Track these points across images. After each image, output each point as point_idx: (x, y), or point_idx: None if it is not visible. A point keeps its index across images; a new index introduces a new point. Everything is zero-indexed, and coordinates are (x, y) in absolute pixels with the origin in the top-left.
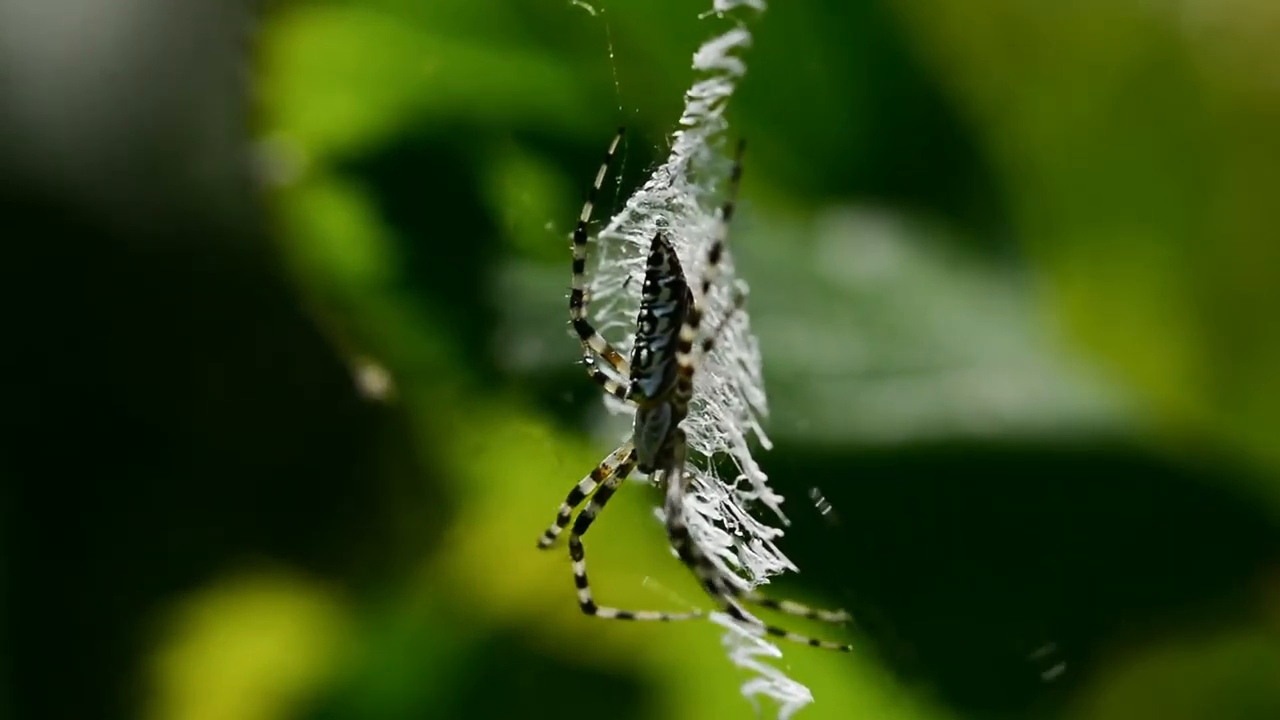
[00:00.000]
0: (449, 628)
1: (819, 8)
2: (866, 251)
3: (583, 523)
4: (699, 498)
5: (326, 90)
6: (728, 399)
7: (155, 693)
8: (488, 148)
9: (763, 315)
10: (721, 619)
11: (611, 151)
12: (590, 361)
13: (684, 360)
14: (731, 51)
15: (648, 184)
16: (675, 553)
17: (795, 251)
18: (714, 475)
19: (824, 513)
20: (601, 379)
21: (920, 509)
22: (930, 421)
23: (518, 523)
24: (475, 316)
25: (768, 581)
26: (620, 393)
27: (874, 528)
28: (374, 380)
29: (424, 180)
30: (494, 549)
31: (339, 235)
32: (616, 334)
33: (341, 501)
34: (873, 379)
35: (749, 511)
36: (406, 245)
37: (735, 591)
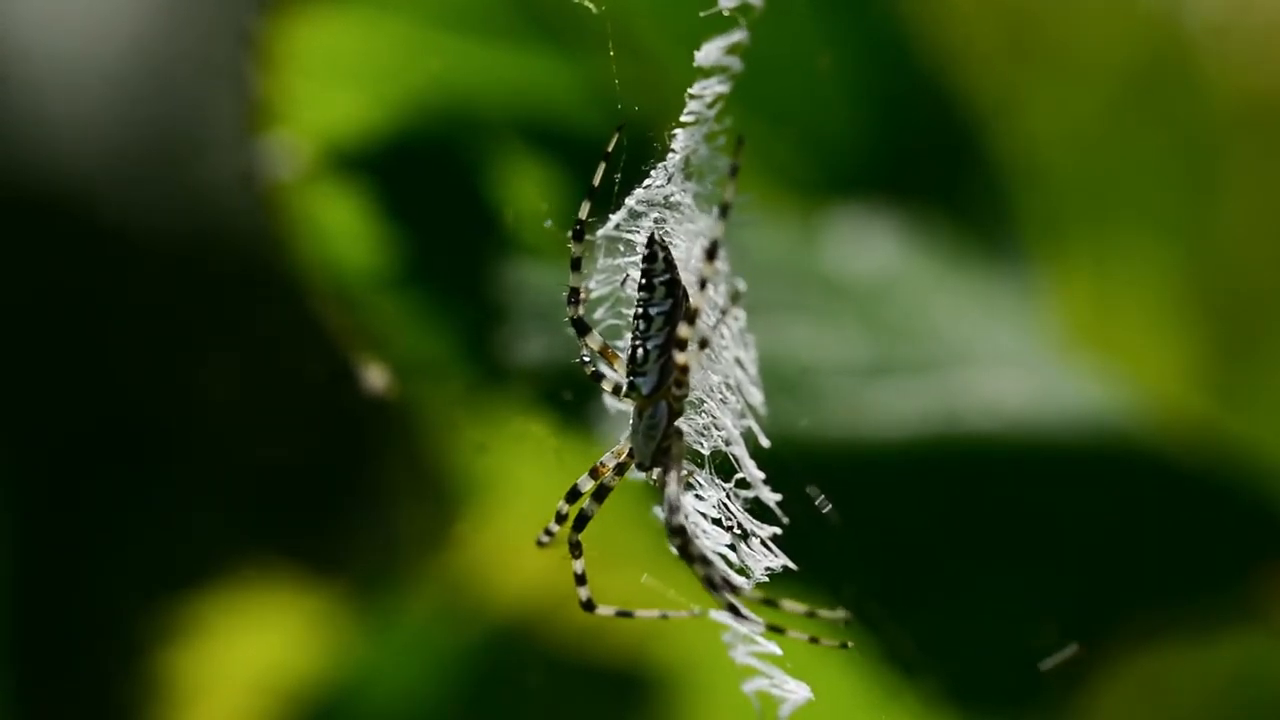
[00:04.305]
0: (452, 625)
1: (823, 6)
2: (869, 248)
3: (581, 521)
4: (697, 495)
5: (330, 86)
6: (725, 397)
7: (159, 689)
8: (491, 144)
9: (765, 312)
10: (721, 617)
11: (610, 149)
12: (587, 359)
13: (680, 358)
14: (732, 49)
15: (646, 181)
16: (674, 550)
17: (798, 248)
18: (712, 473)
19: (824, 511)
20: (599, 377)
21: (922, 505)
22: (933, 418)
23: (521, 520)
24: (479, 312)
25: (767, 579)
26: (617, 391)
27: (876, 524)
28: (377, 376)
29: (427, 176)
30: (497, 546)
31: (342, 231)
32: (615, 332)
33: (345, 498)
34: (875, 376)
35: (747, 509)
36: (410, 241)
37: (734, 589)
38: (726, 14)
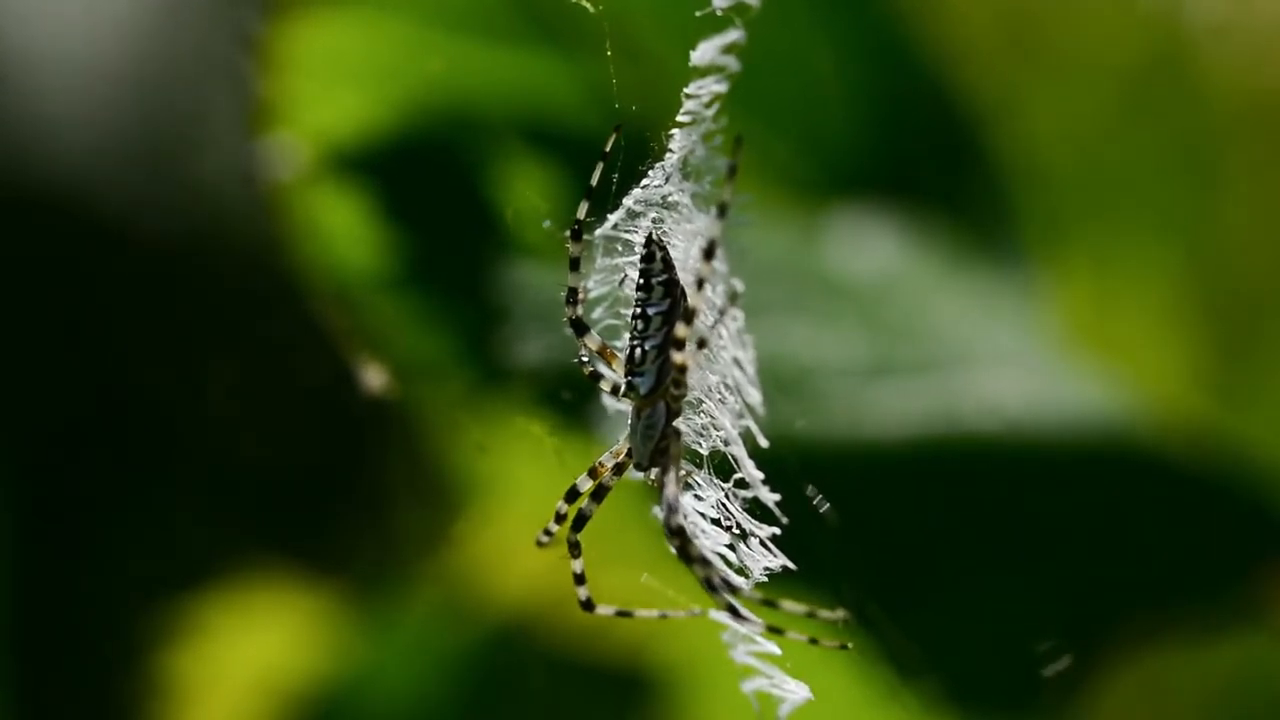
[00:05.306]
0: (452, 625)
1: (822, 5)
2: (870, 248)
3: (580, 520)
4: (696, 496)
5: (330, 87)
6: (724, 397)
7: (159, 690)
8: (491, 145)
9: (766, 313)
10: (721, 617)
11: (608, 149)
12: (586, 360)
13: (678, 358)
14: (729, 49)
15: (644, 181)
16: (673, 551)
17: (798, 249)
18: (710, 473)
19: (821, 510)
20: (597, 377)
21: (922, 506)
22: (933, 418)
23: (521, 520)
24: (479, 313)
25: (766, 579)
26: (615, 391)
27: (876, 524)
28: (377, 377)
29: (427, 177)
30: (497, 546)
31: (343, 232)
32: (613, 332)
33: (345, 499)
34: (876, 376)
35: (746, 509)
36: (410, 242)
37: (734, 590)
38: (720, 14)
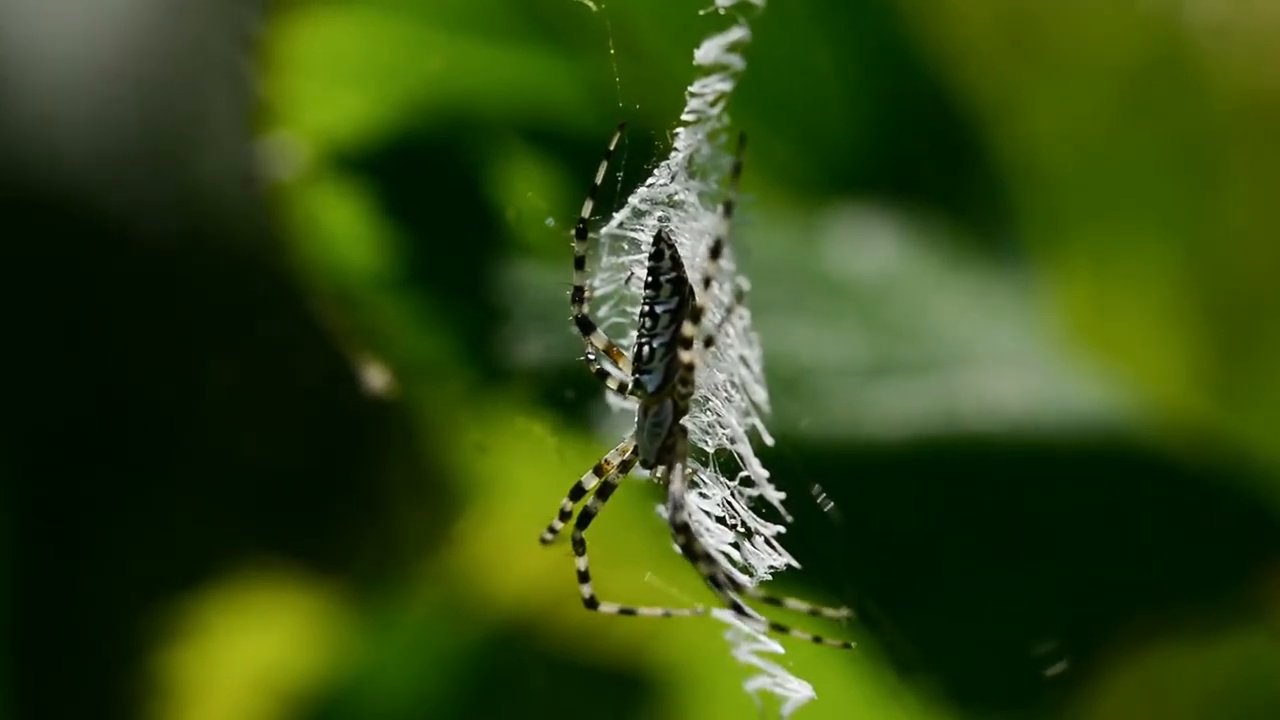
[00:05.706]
0: (453, 624)
1: (823, 5)
2: (870, 248)
3: (585, 518)
4: (701, 494)
5: (331, 86)
6: (730, 395)
7: (159, 689)
8: (492, 144)
9: (766, 312)
10: (724, 615)
11: (612, 147)
12: (592, 358)
13: (685, 356)
14: (733, 47)
15: (649, 180)
16: (678, 549)
17: (798, 248)
18: (716, 471)
19: (826, 509)
20: (603, 375)
21: (923, 505)
22: (933, 418)
23: (521, 519)
24: (479, 313)
25: (770, 578)
26: (622, 389)
27: (876, 524)
28: (378, 377)
29: (428, 176)
30: (498, 545)
31: (343, 231)
32: (618, 330)
33: (345, 498)
34: (876, 376)
35: (751, 508)
36: (410, 241)
37: (738, 588)
38: (723, 13)
